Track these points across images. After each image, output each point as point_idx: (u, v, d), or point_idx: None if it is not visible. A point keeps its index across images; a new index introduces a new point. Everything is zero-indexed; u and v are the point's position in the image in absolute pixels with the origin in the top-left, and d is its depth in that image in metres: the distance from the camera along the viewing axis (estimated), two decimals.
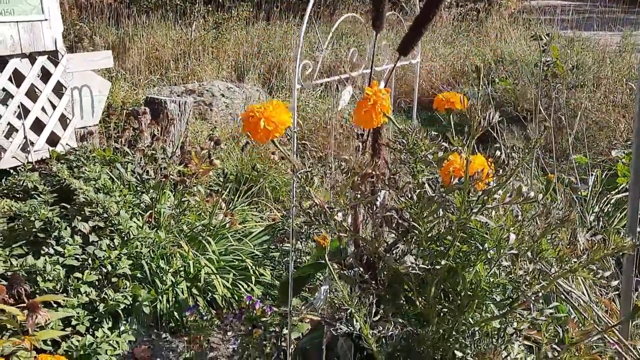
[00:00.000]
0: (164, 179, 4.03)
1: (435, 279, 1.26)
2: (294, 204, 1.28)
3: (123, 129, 4.42)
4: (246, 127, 1.10)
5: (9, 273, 2.93)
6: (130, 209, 3.60)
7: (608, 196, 3.63)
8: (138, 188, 3.99)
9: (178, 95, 7.74)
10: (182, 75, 8.79)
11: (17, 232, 3.13)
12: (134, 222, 3.48)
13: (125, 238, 3.30)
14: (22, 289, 1.85)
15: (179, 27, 10.32)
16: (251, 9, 11.32)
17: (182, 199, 4.04)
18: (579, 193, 3.52)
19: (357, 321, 1.18)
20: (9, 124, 3.50)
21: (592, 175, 3.81)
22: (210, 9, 10.97)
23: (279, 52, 9.76)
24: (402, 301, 1.36)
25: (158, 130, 4.84)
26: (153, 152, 4.35)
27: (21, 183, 3.36)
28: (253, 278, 3.73)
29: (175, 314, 3.47)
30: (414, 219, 1.22)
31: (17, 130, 3.57)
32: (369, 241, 1.36)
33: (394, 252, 1.39)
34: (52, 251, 3.09)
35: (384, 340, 1.22)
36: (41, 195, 3.19)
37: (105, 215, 3.30)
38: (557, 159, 4.60)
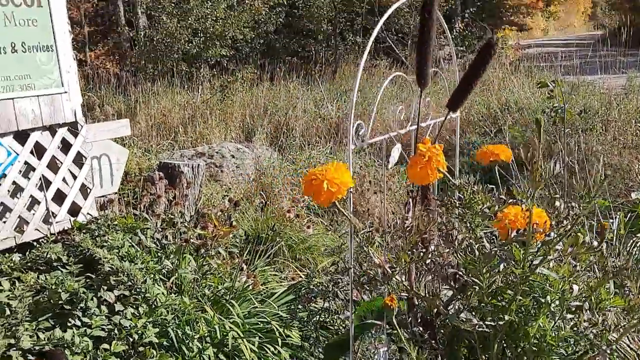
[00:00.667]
0: (184, 243, 4.02)
1: (497, 335, 1.24)
2: (352, 264, 1.27)
3: (141, 196, 4.43)
4: (307, 189, 1.10)
5: (37, 347, 2.89)
6: (153, 275, 3.57)
7: (634, 239, 3.60)
8: (159, 253, 3.97)
9: (189, 159, 7.80)
10: (191, 139, 8.88)
11: (42, 305, 3.10)
12: (157, 288, 3.45)
13: (153, 305, 3.26)
14: None
15: (185, 92, 10.49)
16: (255, 71, 11.52)
17: (203, 263, 4.02)
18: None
19: None
20: (31, 196, 3.52)
21: (615, 218, 3.80)
22: (215, 72, 11.17)
23: (285, 111, 9.88)
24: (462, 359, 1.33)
25: (174, 195, 4.85)
26: (171, 216, 4.35)
27: (45, 255, 3.34)
28: (279, 340, 3.67)
29: None
30: (474, 274, 1.20)
31: (38, 203, 3.58)
32: (427, 298, 1.34)
33: (450, 309, 1.37)
34: (78, 323, 3.05)
35: None
36: (66, 267, 3.17)
37: (129, 283, 3.27)
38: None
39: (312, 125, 9.35)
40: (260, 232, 5.39)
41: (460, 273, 1.14)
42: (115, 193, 4.14)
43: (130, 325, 3.18)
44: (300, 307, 3.82)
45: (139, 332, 3.21)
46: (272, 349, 3.64)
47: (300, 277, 4.78)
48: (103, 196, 4.01)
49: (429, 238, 1.24)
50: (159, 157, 6.90)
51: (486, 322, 1.17)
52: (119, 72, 11.04)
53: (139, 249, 3.52)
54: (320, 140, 8.63)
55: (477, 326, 1.16)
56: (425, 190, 1.34)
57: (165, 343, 3.37)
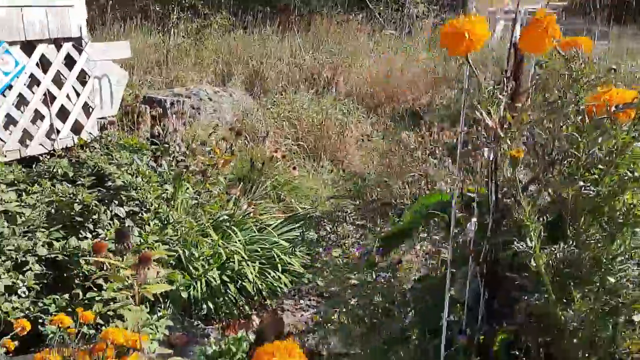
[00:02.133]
0: (184, 170, 4.01)
1: (587, 207, 1.32)
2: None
3: (137, 122, 4.38)
4: (445, 41, 1.13)
5: (51, 255, 2.87)
6: (158, 196, 3.57)
7: None
8: (157, 179, 3.96)
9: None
10: (167, 80, 8.72)
11: (52, 217, 3.06)
12: (166, 207, 3.46)
13: (165, 222, 3.27)
14: (128, 244, 1.83)
15: (157, 34, 10.25)
16: (229, 17, 11.32)
17: (202, 190, 4.03)
18: None
19: (531, 240, 1.23)
20: (35, 110, 3.44)
21: None
22: (189, 15, 10.93)
23: (259, 59, 9.78)
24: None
25: (164, 126, 4.81)
26: (166, 145, 4.32)
27: (51, 169, 3.30)
28: (280, 266, 3.73)
29: (208, 302, 3.44)
30: (573, 142, 1.27)
31: (42, 118, 3.50)
32: (510, 179, 1.41)
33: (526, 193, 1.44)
34: (89, 235, 3.04)
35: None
36: (77, 180, 3.14)
37: (139, 200, 3.27)
38: None
39: (287, 73, 9.31)
40: (244, 174, 5.38)
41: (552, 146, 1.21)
42: (114, 116, 4.08)
43: (140, 242, 3.18)
44: (299, 236, 3.87)
45: (149, 248, 3.22)
46: (272, 274, 3.70)
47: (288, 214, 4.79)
48: (103, 118, 3.95)
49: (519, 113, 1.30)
50: (141, 92, 6.77)
51: (589, 189, 1.25)
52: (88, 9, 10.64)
53: (148, 168, 3.50)
54: (298, 87, 8.60)
55: (583, 190, 1.23)
56: (517, 67, 1.39)
57: (171, 262, 3.39)
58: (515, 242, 1.31)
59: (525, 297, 1.42)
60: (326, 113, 6.95)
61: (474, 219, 1.40)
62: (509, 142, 1.24)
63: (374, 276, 1.50)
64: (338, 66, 9.65)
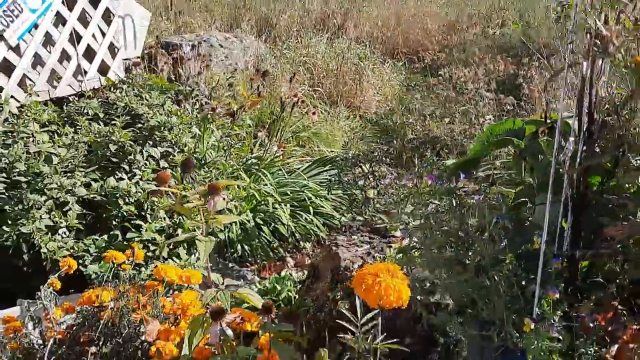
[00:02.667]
0: (211, 112, 3.94)
1: None
2: None
3: (158, 65, 4.28)
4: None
5: (91, 196, 2.83)
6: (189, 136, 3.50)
7: None
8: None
9: None
10: (175, 26, 8.55)
11: (87, 159, 3.00)
12: (201, 148, 3.40)
13: (202, 162, 3.22)
14: (194, 174, 1.78)
15: None
16: None
17: (230, 132, 3.96)
18: None
19: None
20: (62, 50, 3.34)
21: None
22: None
23: (268, 5, 9.58)
24: None
25: (185, 69, 4.71)
26: (189, 88, 4.23)
27: (82, 109, 3.22)
28: (311, 209, 3.70)
29: (243, 244, 3.42)
30: None
31: (69, 59, 3.41)
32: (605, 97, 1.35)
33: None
34: (125, 176, 2.99)
35: None
36: (115, 119, 3.07)
37: (174, 140, 3.21)
38: None
39: (297, 20, 9.12)
40: (263, 119, 5.30)
41: None
42: (138, 57, 3.98)
43: (175, 182, 3.13)
44: (332, 178, 3.82)
45: (184, 189, 3.18)
46: (305, 216, 3.68)
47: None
48: (127, 59, 3.85)
49: None
50: (149, 39, 6.63)
51: None
52: None
53: (179, 108, 3.43)
54: (308, 34, 8.43)
55: None
56: None
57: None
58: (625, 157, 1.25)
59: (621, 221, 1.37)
60: (342, 58, 6.81)
61: (572, 138, 1.35)
62: (622, 52, 1.18)
63: (458, 201, 1.45)
64: (348, 11, 9.46)
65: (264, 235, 3.50)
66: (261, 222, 3.54)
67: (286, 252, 3.55)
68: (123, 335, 2.00)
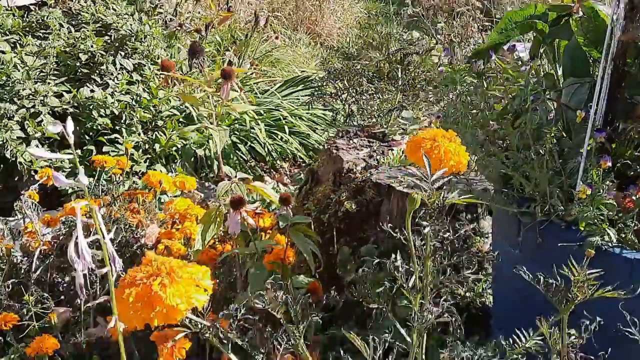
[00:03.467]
0: (177, 28, 3.75)
1: None
2: None
3: None
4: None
5: (63, 107, 2.66)
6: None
7: None
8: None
9: None
10: None
11: (54, 70, 2.81)
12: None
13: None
14: (203, 59, 1.67)
15: None
16: None
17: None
18: None
19: None
20: None
21: None
22: None
23: None
24: None
25: None
26: (151, 4, 4.00)
27: (43, 19, 3.00)
28: (287, 128, 3.61)
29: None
30: None
31: None
32: None
33: None
34: (96, 88, 2.82)
35: None
36: (84, 26, 2.87)
37: (146, 52, 3.04)
38: None
39: None
40: (223, 42, 5.11)
41: None
42: None
43: (149, 98, 2.99)
44: (310, 96, 3.72)
45: (160, 105, 3.04)
46: (280, 135, 3.59)
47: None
48: None
49: None
50: None
51: None
52: None
53: (147, 18, 3.24)
54: None
55: None
56: None
57: (182, 119, 3.22)
58: None
59: None
60: None
61: (622, 5, 1.30)
62: None
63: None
64: None
65: (240, 154, 3.40)
66: (237, 141, 3.44)
67: (263, 172, 3.47)
68: (119, 240, 1.90)
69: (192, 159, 3.18)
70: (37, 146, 2.51)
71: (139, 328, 0.86)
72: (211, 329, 0.92)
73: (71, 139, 0.66)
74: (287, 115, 3.65)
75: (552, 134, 1.22)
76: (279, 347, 0.95)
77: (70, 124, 0.67)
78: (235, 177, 1.57)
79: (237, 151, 3.40)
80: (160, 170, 2.88)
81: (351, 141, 2.19)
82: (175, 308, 0.82)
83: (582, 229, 1.16)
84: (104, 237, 0.68)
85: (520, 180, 1.28)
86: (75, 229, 0.65)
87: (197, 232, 1.54)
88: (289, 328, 0.89)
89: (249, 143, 3.48)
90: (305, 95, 3.97)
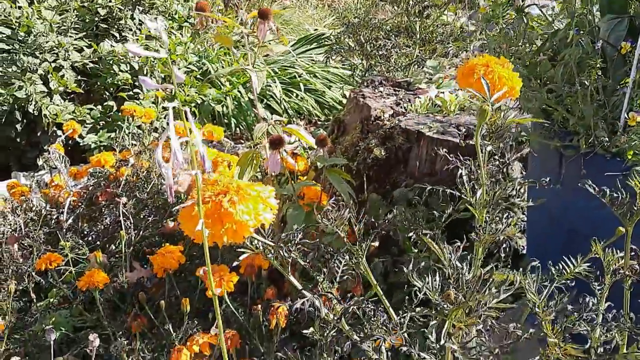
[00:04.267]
0: None
1: None
2: None
3: None
4: None
5: (83, 62, 2.66)
6: None
7: None
8: None
9: None
10: None
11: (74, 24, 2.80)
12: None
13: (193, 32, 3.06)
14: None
15: None
16: None
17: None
18: None
19: None
20: None
21: None
22: None
23: None
24: None
25: None
26: None
27: None
28: (302, 85, 3.60)
29: (238, 118, 3.32)
30: None
31: None
32: None
33: None
34: (114, 43, 2.81)
35: None
36: None
37: (162, 8, 3.02)
38: None
39: None
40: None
41: None
42: None
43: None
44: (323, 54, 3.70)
45: (176, 62, 3.03)
46: (296, 92, 3.58)
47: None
48: None
49: None
50: None
51: None
52: None
53: None
54: None
55: None
56: None
57: (199, 76, 3.21)
58: None
59: None
60: None
61: None
62: None
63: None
64: None
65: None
66: (254, 98, 3.43)
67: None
68: (149, 189, 1.92)
69: (210, 116, 3.18)
70: (59, 101, 2.51)
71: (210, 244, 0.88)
72: (274, 250, 0.93)
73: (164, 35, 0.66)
74: (302, 72, 3.64)
75: (598, 65, 1.22)
76: (337, 269, 0.97)
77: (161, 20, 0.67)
78: (272, 119, 1.58)
79: (253, 108, 3.39)
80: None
81: (377, 90, 2.19)
82: (245, 224, 0.83)
83: (630, 157, 1.17)
84: (193, 138, 0.69)
85: (564, 114, 1.28)
86: (167, 129, 0.66)
87: (234, 174, 1.55)
88: (352, 247, 0.91)
89: (265, 100, 3.47)
90: (319, 54, 3.95)
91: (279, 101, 3.48)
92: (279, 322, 1.19)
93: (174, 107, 0.64)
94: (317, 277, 0.95)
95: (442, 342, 0.67)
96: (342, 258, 0.94)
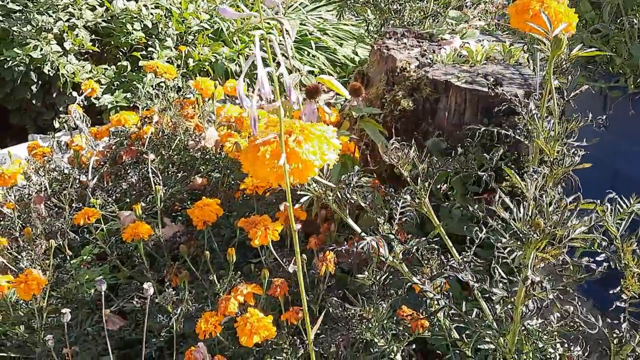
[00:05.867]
0: None
1: None
2: None
3: None
4: None
5: (98, 21, 2.61)
6: None
7: None
8: None
9: None
10: None
11: None
12: None
13: None
14: None
15: None
16: None
17: None
18: None
19: None
20: None
21: None
22: None
23: None
24: None
25: None
26: None
27: None
28: (312, 43, 3.55)
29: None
30: None
31: None
32: None
33: None
34: (127, 1, 2.76)
35: None
36: None
37: None
38: None
39: None
40: None
41: None
42: None
43: (179, 12, 2.93)
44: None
45: (188, 20, 2.98)
46: (307, 51, 3.54)
47: None
48: None
49: None
50: None
51: None
52: None
53: None
54: None
55: None
56: None
57: (210, 34, 3.17)
58: None
59: None
60: None
61: None
62: None
63: None
64: None
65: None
66: (265, 56, 3.39)
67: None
68: (175, 143, 1.90)
69: (223, 75, 3.14)
70: (75, 61, 2.47)
71: (274, 186, 0.87)
72: (334, 192, 0.92)
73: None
74: (313, 30, 3.59)
75: None
76: (396, 210, 0.96)
77: None
78: (304, 69, 1.56)
79: (265, 67, 3.35)
80: None
81: (400, 42, 2.16)
82: (311, 164, 0.82)
83: None
84: (278, 67, 0.67)
85: (610, 55, 1.26)
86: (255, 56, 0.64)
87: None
88: (414, 186, 0.90)
89: (277, 58, 3.43)
90: (329, 11, 3.90)
91: (291, 58, 3.44)
92: (328, 269, 1.19)
93: (260, 35, 0.62)
94: (378, 219, 0.94)
95: (528, 274, 0.67)
96: (403, 198, 0.92)
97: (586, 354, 0.94)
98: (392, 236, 0.93)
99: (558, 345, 0.93)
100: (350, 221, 0.97)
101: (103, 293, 1.09)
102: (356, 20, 3.54)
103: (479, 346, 0.98)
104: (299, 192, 0.94)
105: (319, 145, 0.84)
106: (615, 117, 1.29)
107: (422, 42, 2.17)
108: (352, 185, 0.95)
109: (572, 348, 0.92)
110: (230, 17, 0.65)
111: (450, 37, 2.17)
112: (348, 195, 0.89)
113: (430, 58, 2.04)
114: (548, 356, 0.95)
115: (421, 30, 2.26)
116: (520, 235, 0.65)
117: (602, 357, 0.98)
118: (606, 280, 0.91)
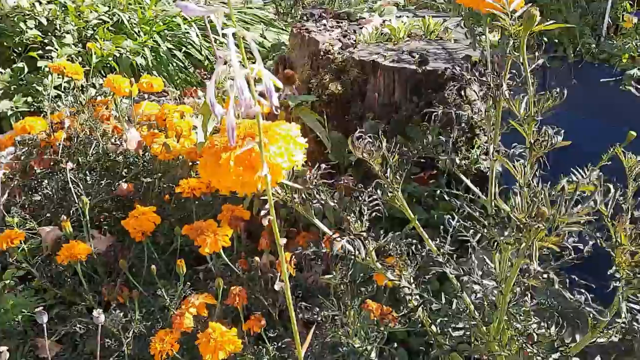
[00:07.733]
0: None
1: None
2: None
3: None
4: None
5: None
6: None
7: None
8: None
9: None
10: None
11: None
12: None
13: None
14: None
15: None
16: None
17: None
18: None
19: None
20: None
21: None
22: None
23: None
24: None
25: None
26: None
27: None
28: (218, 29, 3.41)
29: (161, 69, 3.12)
30: None
31: None
32: None
33: None
34: None
35: None
36: None
37: None
38: None
39: None
40: None
41: None
42: None
43: (74, 5, 2.73)
44: None
45: (86, 14, 2.79)
46: (214, 37, 3.41)
47: None
48: None
49: None
50: None
51: None
52: None
53: None
54: None
55: None
56: None
57: (111, 27, 2.98)
58: None
59: None
60: None
61: None
62: None
63: None
64: None
65: (177, 60, 3.22)
66: (172, 47, 3.24)
67: (204, 78, 3.31)
68: (91, 149, 1.76)
69: (130, 69, 2.97)
70: None
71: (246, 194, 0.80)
72: (300, 192, 0.86)
73: None
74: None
75: None
76: (365, 206, 0.91)
77: None
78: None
79: (173, 58, 3.21)
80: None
81: (319, 23, 2.10)
82: (279, 167, 0.75)
83: (624, 61, 1.16)
84: (254, 62, 0.59)
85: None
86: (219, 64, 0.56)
87: (198, 124, 1.44)
88: (385, 179, 0.85)
89: (184, 49, 3.29)
90: None
91: (199, 48, 3.31)
92: (289, 270, 1.12)
93: (233, 34, 0.54)
94: (348, 217, 0.88)
95: (530, 263, 0.63)
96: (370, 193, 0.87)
97: (564, 331, 0.93)
98: (364, 234, 0.88)
99: (535, 325, 0.92)
100: (317, 221, 0.90)
101: (45, 325, 0.97)
102: (263, 2, 3.44)
103: (454, 334, 0.95)
104: (262, 197, 0.87)
105: (285, 146, 0.76)
106: (556, 88, 1.29)
107: (342, 22, 2.12)
108: (317, 184, 0.88)
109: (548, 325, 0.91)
110: (193, 15, 0.56)
111: (369, 16, 2.13)
112: (318, 197, 0.83)
113: (352, 38, 1.99)
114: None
115: (337, 10, 2.21)
116: (521, 225, 0.62)
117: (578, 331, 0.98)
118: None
